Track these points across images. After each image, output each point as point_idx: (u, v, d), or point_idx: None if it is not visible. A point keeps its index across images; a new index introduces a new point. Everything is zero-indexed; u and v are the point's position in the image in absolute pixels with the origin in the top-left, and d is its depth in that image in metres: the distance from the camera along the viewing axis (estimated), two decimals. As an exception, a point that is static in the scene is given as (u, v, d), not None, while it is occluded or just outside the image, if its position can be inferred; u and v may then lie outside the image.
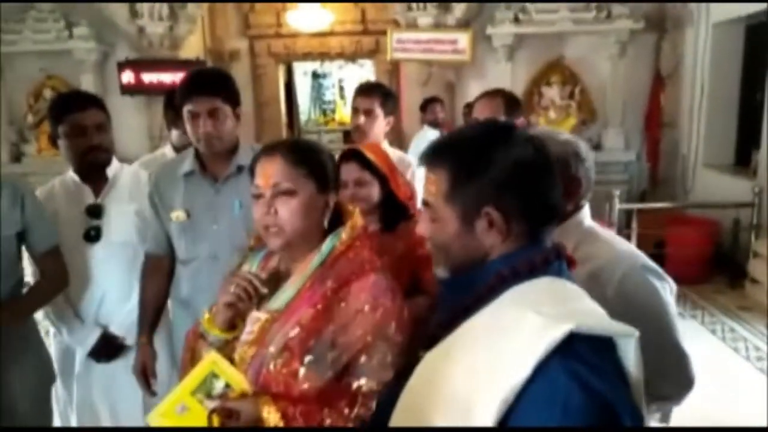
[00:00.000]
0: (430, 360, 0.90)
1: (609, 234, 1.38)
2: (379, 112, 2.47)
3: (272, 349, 1.16)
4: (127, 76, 6.02)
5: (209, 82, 1.86)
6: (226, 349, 1.25)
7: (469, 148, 0.90)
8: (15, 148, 6.29)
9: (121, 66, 5.99)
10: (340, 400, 1.13)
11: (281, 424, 1.09)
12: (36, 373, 1.91)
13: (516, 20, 5.96)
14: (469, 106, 6.94)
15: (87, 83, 6.02)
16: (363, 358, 1.13)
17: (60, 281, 1.92)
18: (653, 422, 1.39)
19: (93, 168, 2.05)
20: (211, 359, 1.18)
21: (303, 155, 1.21)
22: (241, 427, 1.10)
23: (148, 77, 6.04)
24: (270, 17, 7.64)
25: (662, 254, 4.51)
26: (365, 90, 2.57)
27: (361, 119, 2.46)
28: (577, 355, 0.74)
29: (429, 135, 5.13)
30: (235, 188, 1.84)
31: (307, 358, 1.14)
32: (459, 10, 5.91)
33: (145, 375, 1.90)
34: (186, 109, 1.82)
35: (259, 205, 1.20)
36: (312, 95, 11.35)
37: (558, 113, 6.26)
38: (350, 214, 1.29)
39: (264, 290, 1.23)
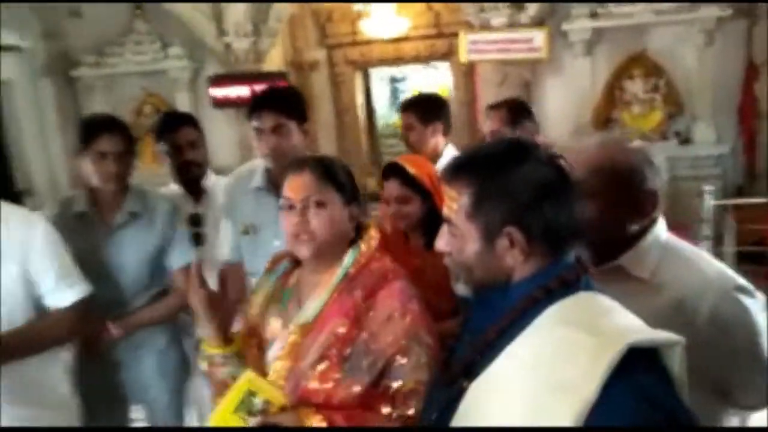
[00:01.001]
0: (478, 390, 0.88)
1: (691, 250, 1.26)
2: (418, 124, 2.49)
3: (309, 361, 1.22)
4: (217, 91, 6.43)
5: (273, 99, 1.92)
6: (241, 365, 1.30)
7: (492, 166, 0.89)
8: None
9: (211, 81, 6.40)
10: (379, 403, 1.18)
11: None
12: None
13: (593, 15, 5.81)
14: (492, 108, 6.82)
15: (182, 99, 6.49)
16: (398, 361, 1.19)
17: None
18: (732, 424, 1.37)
19: (189, 181, 2.29)
20: (246, 377, 1.22)
21: (329, 170, 1.30)
22: (286, 427, 1.16)
23: (236, 90, 6.42)
24: (346, 26, 7.88)
25: (763, 252, 4.26)
26: (402, 107, 2.62)
27: (410, 136, 2.53)
28: (636, 370, 0.74)
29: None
30: None
31: (345, 366, 1.20)
32: (533, 8, 5.84)
33: None
34: (252, 125, 1.89)
35: (291, 215, 1.27)
36: (390, 100, 11.52)
37: (642, 107, 6.03)
38: (366, 227, 1.36)
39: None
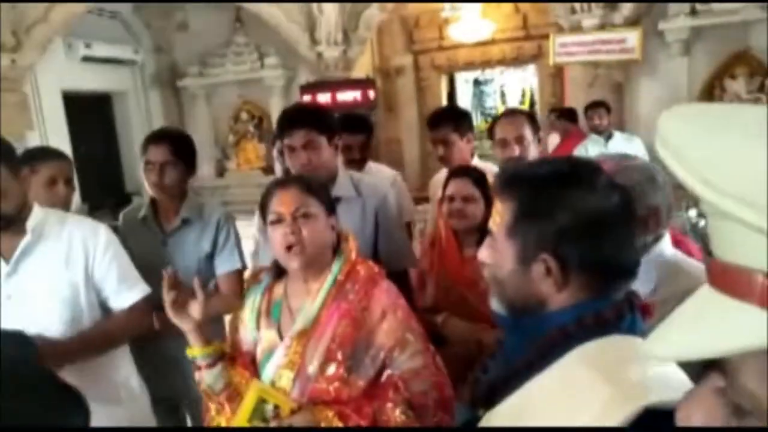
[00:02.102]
0: (494, 421, 0.86)
1: (695, 265, 1.25)
2: (454, 137, 2.42)
3: (315, 363, 1.30)
4: (308, 98, 6.71)
5: (303, 116, 1.92)
6: (227, 375, 1.36)
7: (540, 185, 0.83)
8: (219, 164, 7.33)
9: (303, 89, 6.69)
10: (384, 392, 1.29)
11: (340, 425, 1.22)
12: None
13: (693, 12, 5.57)
14: (553, 111, 6.52)
15: (275, 106, 6.83)
16: (397, 351, 1.31)
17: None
18: None
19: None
20: (256, 388, 1.29)
21: (312, 185, 1.40)
22: (290, 428, 1.22)
23: (325, 97, 6.68)
24: (433, 32, 7.98)
25: None
26: (433, 121, 2.53)
27: (440, 150, 2.45)
28: (647, 428, 0.69)
29: (592, 143, 4.88)
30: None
31: (350, 364, 1.29)
32: (627, 7, 5.68)
33: None
34: (284, 143, 1.90)
35: (281, 228, 1.34)
36: (473, 103, 11.50)
37: (745, 108, 5.73)
38: (344, 236, 1.45)
39: (197, 289, 1.35)
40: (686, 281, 1.13)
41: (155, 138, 2.08)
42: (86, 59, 6.39)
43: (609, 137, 4.90)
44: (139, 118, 7.29)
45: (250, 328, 1.42)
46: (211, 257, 2.07)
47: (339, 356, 1.29)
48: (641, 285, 1.12)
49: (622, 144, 4.78)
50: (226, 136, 7.40)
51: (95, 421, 1.61)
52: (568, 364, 0.78)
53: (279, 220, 1.35)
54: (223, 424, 1.39)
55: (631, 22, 5.76)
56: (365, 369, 1.30)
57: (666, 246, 1.25)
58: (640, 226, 1.17)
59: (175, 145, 2.07)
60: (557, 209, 0.80)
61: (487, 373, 0.95)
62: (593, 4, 5.70)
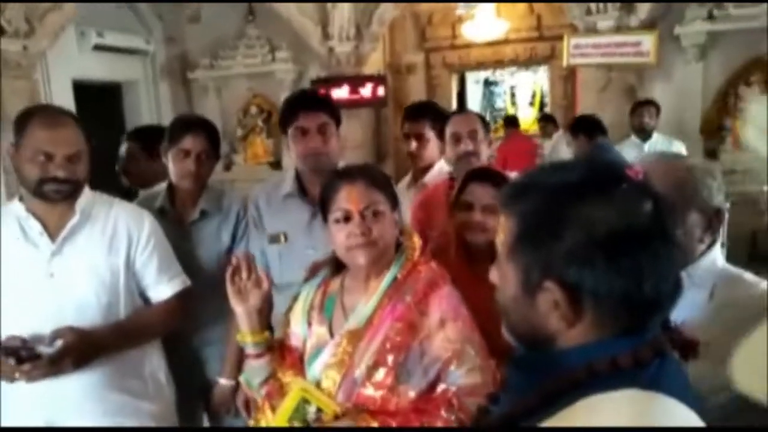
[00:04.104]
0: None
1: (750, 275, 1.18)
2: (430, 135, 2.35)
3: (363, 367, 1.21)
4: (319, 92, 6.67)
5: (317, 99, 1.88)
6: (271, 368, 1.32)
7: (548, 197, 0.70)
8: (227, 157, 7.30)
9: (314, 83, 6.66)
10: (436, 408, 1.18)
11: None
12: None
13: (710, 17, 5.52)
14: (545, 119, 6.34)
15: (285, 99, 6.81)
16: (454, 365, 1.20)
17: None
18: None
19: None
20: (299, 386, 1.23)
21: (379, 180, 1.33)
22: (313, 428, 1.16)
23: (336, 92, 6.64)
24: (445, 30, 7.94)
25: None
26: (413, 114, 2.42)
27: (412, 145, 2.36)
28: None
29: (627, 147, 4.48)
30: None
31: (400, 372, 1.19)
32: (643, 10, 5.63)
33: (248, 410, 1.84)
34: (294, 125, 1.80)
35: (348, 226, 1.26)
36: (483, 103, 11.44)
37: (759, 116, 5.67)
38: (408, 234, 1.37)
39: (261, 276, 1.31)
40: (743, 289, 1.11)
41: (193, 126, 1.99)
42: (98, 48, 6.37)
43: (648, 138, 4.55)
44: (148, 108, 7.27)
45: (301, 323, 1.35)
46: (230, 250, 1.99)
47: (389, 362, 1.20)
48: (697, 292, 1.09)
49: (663, 147, 4.44)
50: (235, 129, 7.37)
51: (118, 413, 1.62)
52: (567, 418, 0.66)
53: (346, 218, 1.27)
54: (262, 423, 1.34)
55: (647, 26, 5.70)
56: (417, 379, 1.20)
57: (719, 255, 1.18)
58: (705, 229, 1.13)
59: (212, 135, 2.03)
60: (566, 227, 0.67)
61: (496, 404, 0.84)
62: (609, 6, 5.65)
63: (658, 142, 4.51)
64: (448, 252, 1.63)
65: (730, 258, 1.20)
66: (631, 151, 4.38)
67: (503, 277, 0.76)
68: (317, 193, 1.78)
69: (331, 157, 1.82)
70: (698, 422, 0.66)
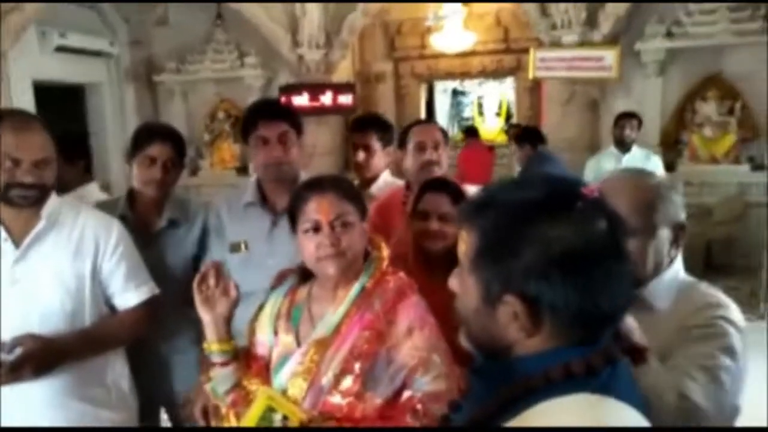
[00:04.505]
0: None
1: (705, 285, 1.24)
2: (377, 146, 2.38)
3: (330, 375, 1.22)
4: (287, 99, 6.66)
5: (277, 108, 1.87)
6: (237, 377, 1.31)
7: (509, 214, 0.72)
8: (193, 163, 7.21)
9: (282, 90, 6.64)
10: (402, 414, 1.19)
11: None
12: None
13: (669, 34, 5.72)
14: (514, 127, 6.50)
15: (253, 106, 6.76)
16: (420, 372, 1.21)
17: None
18: None
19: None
20: (265, 394, 1.23)
21: (348, 191, 1.34)
22: (293, 428, 1.16)
23: (305, 99, 6.64)
24: (415, 40, 8.03)
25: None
26: (361, 125, 2.45)
27: (360, 156, 2.39)
28: None
29: (605, 158, 4.61)
30: None
31: (367, 380, 1.20)
32: (606, 26, 5.80)
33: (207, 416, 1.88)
34: (255, 135, 1.80)
35: (318, 237, 1.27)
36: (451, 113, 11.59)
37: (714, 130, 5.88)
38: (376, 243, 1.37)
39: (230, 285, 1.31)
40: (701, 300, 1.16)
41: (160, 133, 1.99)
42: (60, 49, 6.23)
43: (627, 151, 4.56)
44: (111, 111, 7.14)
45: (267, 331, 1.34)
46: (197, 258, 1.98)
47: (356, 369, 1.21)
48: (660, 301, 1.14)
49: (640, 160, 4.47)
50: (201, 134, 7.29)
51: (79, 422, 1.59)
52: (523, 424, 0.69)
53: (316, 229, 1.28)
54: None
55: (610, 41, 5.88)
56: (383, 387, 1.21)
57: (680, 268, 1.22)
58: (672, 243, 1.17)
59: (178, 144, 2.02)
60: (522, 245, 0.70)
61: (458, 411, 0.86)
62: (573, 21, 5.80)
63: (636, 155, 4.54)
64: (406, 260, 1.65)
65: (687, 268, 1.25)
66: (608, 163, 4.50)
67: (464, 287, 0.78)
68: (278, 202, 1.82)
69: (293, 167, 1.82)
70: (644, 423, 0.69)
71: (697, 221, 5.20)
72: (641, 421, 0.69)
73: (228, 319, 1.33)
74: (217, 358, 1.33)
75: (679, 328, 1.10)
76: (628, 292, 0.74)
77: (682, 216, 1.18)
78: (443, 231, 1.63)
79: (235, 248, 1.84)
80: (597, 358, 0.71)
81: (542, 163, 4.56)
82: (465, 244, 0.77)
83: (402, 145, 2.19)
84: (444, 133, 2.20)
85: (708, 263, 5.68)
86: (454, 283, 0.81)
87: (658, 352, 0.95)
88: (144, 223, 1.99)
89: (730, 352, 1.06)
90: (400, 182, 2.45)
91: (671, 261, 1.19)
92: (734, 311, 1.14)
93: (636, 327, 0.90)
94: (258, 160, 1.82)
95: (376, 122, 2.50)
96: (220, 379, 1.33)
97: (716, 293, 1.18)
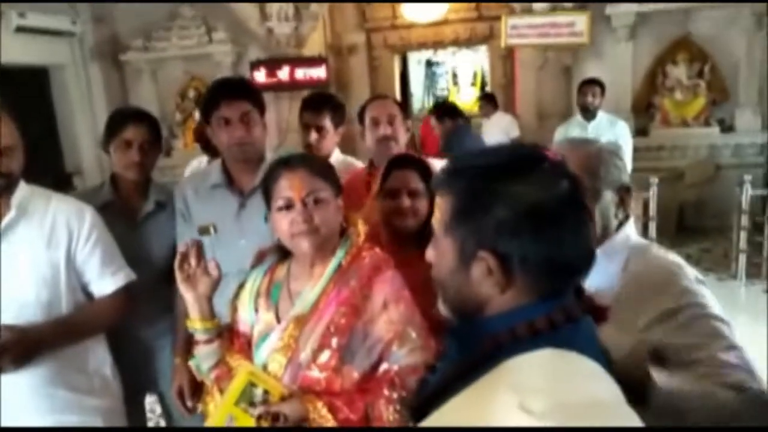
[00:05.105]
0: None
1: (656, 247, 1.27)
2: (329, 126, 2.36)
3: (308, 351, 1.24)
4: (259, 75, 6.55)
5: (238, 87, 1.84)
6: (221, 353, 1.33)
7: (479, 176, 0.77)
8: (165, 143, 7.08)
9: (253, 66, 6.53)
10: (379, 387, 1.22)
11: (329, 417, 1.17)
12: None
13: (638, -2, 5.74)
14: (485, 98, 6.54)
15: (224, 83, 6.64)
16: (396, 345, 1.24)
17: None
18: None
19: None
20: (246, 369, 1.25)
21: (320, 167, 1.35)
22: (290, 427, 1.17)
23: (277, 74, 6.54)
24: (386, 10, 7.91)
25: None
26: (313, 105, 2.41)
27: (312, 136, 2.35)
28: None
29: (572, 126, 4.61)
30: (262, 201, 1.63)
31: (344, 354, 1.23)
32: (577, -9, 5.80)
33: (182, 397, 1.87)
34: (217, 116, 1.77)
35: (290, 213, 1.28)
36: (425, 84, 11.51)
37: (685, 94, 5.96)
38: (353, 221, 1.39)
39: (211, 264, 1.31)
40: (654, 261, 1.19)
41: (135, 117, 1.98)
42: (20, 30, 6.01)
43: (592, 118, 4.55)
44: (78, 93, 6.94)
45: (248, 309, 1.36)
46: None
47: (333, 344, 1.23)
48: (611, 264, 1.18)
49: (606, 126, 4.49)
50: (173, 113, 7.16)
51: (65, 410, 1.59)
52: (490, 381, 0.72)
53: (288, 206, 1.29)
54: (210, 406, 1.35)
55: (580, 7, 5.88)
56: (360, 360, 1.24)
57: (632, 231, 1.26)
58: (617, 205, 1.21)
59: (153, 125, 2.01)
60: (494, 203, 0.74)
61: (434, 373, 0.90)
62: (544, -13, 5.78)
63: (602, 122, 4.54)
64: (377, 238, 1.62)
65: (659, 231, 1.29)
66: (574, 131, 4.51)
67: (440, 253, 0.82)
68: (245, 182, 1.82)
69: (257, 146, 1.80)
70: (605, 377, 0.73)
71: (668, 184, 5.30)
72: (601, 372, 0.73)
73: (209, 298, 1.34)
74: (200, 336, 1.34)
75: (631, 290, 1.14)
76: (590, 245, 0.79)
77: (625, 179, 1.23)
78: (414, 207, 1.63)
79: (203, 231, 1.83)
80: (559, 314, 0.75)
81: (462, 138, 4.75)
82: (439, 210, 0.81)
83: (361, 121, 2.17)
84: (402, 107, 2.18)
85: (680, 226, 5.81)
86: (430, 253, 0.85)
87: (619, 310, 0.98)
88: (129, 207, 1.99)
89: (713, 317, 1.10)
90: (352, 160, 2.47)
91: (621, 224, 1.23)
92: (689, 269, 1.18)
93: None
94: (221, 141, 1.80)
95: (329, 102, 2.46)
96: (204, 355, 1.35)
97: (667, 254, 1.22)
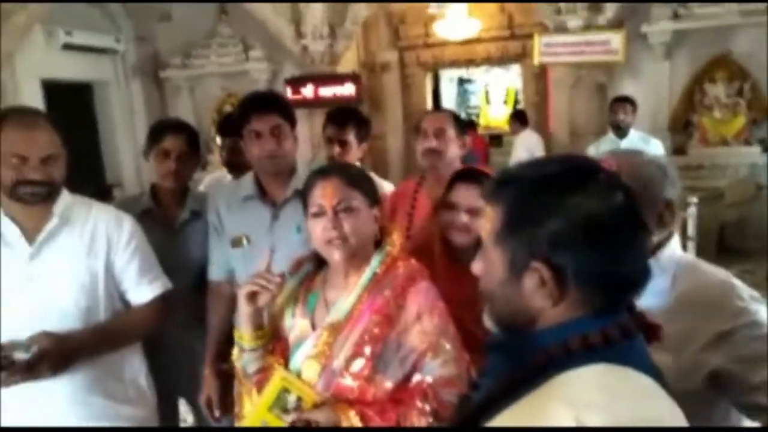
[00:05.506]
0: None
1: (707, 263, 1.23)
2: (353, 140, 2.37)
3: (342, 358, 1.25)
4: (293, 91, 6.67)
5: (269, 101, 1.87)
6: (266, 360, 1.33)
7: (533, 186, 0.76)
8: (202, 157, 7.24)
9: (288, 82, 6.65)
10: (411, 398, 1.22)
11: (361, 426, 1.16)
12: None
13: (675, 16, 5.66)
14: (515, 115, 6.49)
15: (259, 99, 6.78)
16: (429, 356, 1.24)
17: None
18: None
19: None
20: (280, 375, 1.26)
21: (355, 177, 1.35)
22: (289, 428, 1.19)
23: (311, 90, 6.65)
24: (419, 28, 7.98)
25: None
26: (337, 119, 2.41)
27: (336, 150, 2.35)
28: None
29: (604, 144, 4.54)
30: (294, 212, 1.76)
31: (378, 363, 1.23)
32: (611, 9, 5.76)
33: (210, 407, 1.90)
34: (248, 129, 1.80)
35: (322, 221, 1.29)
36: (458, 101, 11.55)
37: (724, 112, 5.84)
38: (389, 230, 1.39)
39: (277, 279, 1.28)
40: (703, 278, 1.15)
41: (174, 127, 2.07)
42: (67, 47, 6.28)
43: (624, 136, 4.47)
44: (120, 108, 7.19)
45: (287, 315, 1.38)
46: None
47: (367, 353, 1.24)
48: (658, 282, 1.08)
49: (638, 144, 4.36)
50: (209, 129, 7.32)
51: (101, 418, 1.62)
52: (542, 395, 0.71)
53: (320, 213, 1.30)
54: (248, 407, 1.36)
55: (615, 25, 5.83)
56: (393, 370, 1.24)
57: (676, 243, 1.21)
58: (656, 221, 1.16)
59: (191, 136, 2.08)
60: (549, 213, 0.73)
61: (477, 390, 0.88)
62: (578, 5, 5.75)
63: (634, 140, 4.45)
64: (431, 250, 1.63)
65: (700, 251, 1.25)
66: (606, 149, 4.41)
67: (489, 264, 0.80)
68: (277, 194, 1.85)
69: (287, 159, 1.83)
70: (663, 395, 0.71)
71: (708, 204, 5.17)
72: (659, 390, 0.71)
73: (262, 312, 1.35)
74: (246, 347, 1.35)
75: (683, 310, 1.10)
76: (646, 259, 0.77)
77: (669, 194, 1.17)
78: (471, 224, 1.57)
79: (236, 242, 1.85)
80: (613, 329, 0.73)
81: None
82: (489, 220, 0.80)
83: (417, 132, 2.19)
84: (458, 121, 2.16)
85: (721, 246, 5.64)
86: (478, 266, 0.84)
87: (668, 333, 0.96)
88: (168, 215, 2.06)
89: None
90: (373, 176, 2.43)
91: (666, 239, 1.18)
92: (742, 286, 1.13)
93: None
94: (252, 154, 1.83)
95: (353, 116, 2.46)
96: (246, 361, 1.36)
97: (718, 271, 1.18)
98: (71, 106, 6.60)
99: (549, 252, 0.73)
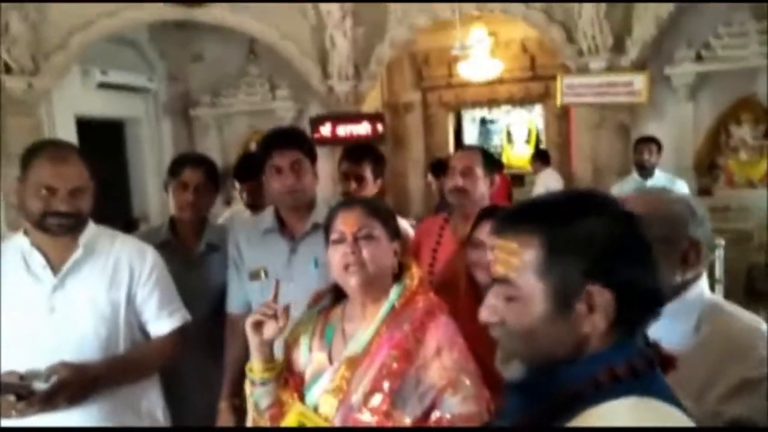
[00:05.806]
0: None
1: (735, 306, 1.20)
2: (369, 176, 2.37)
3: (359, 393, 1.24)
4: (317, 130, 6.79)
5: (290, 137, 1.91)
6: (278, 395, 1.33)
7: (565, 213, 0.75)
8: (226, 193, 7.36)
9: (313, 121, 6.77)
10: None
11: None
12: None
13: (698, 58, 5.67)
14: (536, 154, 6.50)
15: (284, 137, 6.92)
16: (449, 393, 1.22)
17: None
18: None
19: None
20: (297, 410, 1.26)
21: (376, 208, 1.39)
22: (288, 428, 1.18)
23: (335, 129, 6.75)
24: (442, 69, 8.11)
25: None
26: (354, 155, 2.42)
27: (352, 186, 2.36)
28: None
29: (628, 184, 4.47)
30: (312, 246, 1.80)
31: (396, 398, 1.22)
32: (634, 51, 5.79)
33: None
34: (269, 164, 1.83)
35: (341, 247, 1.32)
36: (480, 140, 11.58)
37: (750, 154, 5.77)
38: (407, 264, 1.40)
39: (280, 309, 1.29)
40: (730, 321, 1.12)
41: (193, 161, 2.13)
42: (101, 86, 6.50)
43: (649, 176, 4.43)
44: (150, 145, 7.38)
45: (303, 349, 1.39)
46: None
47: (385, 388, 1.23)
48: (681, 324, 1.09)
49: (663, 185, 4.25)
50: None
51: None
52: (577, 425, 0.70)
53: (340, 240, 1.34)
54: None
55: (638, 66, 5.85)
56: (412, 406, 1.23)
57: (704, 284, 1.19)
58: (680, 261, 1.13)
59: (210, 170, 2.13)
60: (593, 234, 0.73)
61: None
62: (600, 47, 5.80)
63: (659, 180, 4.40)
64: (455, 287, 1.64)
65: (727, 294, 1.23)
66: (630, 188, 4.27)
67: (524, 300, 0.76)
68: (296, 228, 1.89)
69: (307, 193, 1.86)
70: (690, 423, 0.71)
71: (735, 246, 5.07)
72: (687, 420, 0.71)
73: (271, 343, 1.35)
74: (256, 380, 1.36)
75: (707, 356, 1.06)
76: (660, 283, 0.78)
77: (694, 233, 1.15)
78: None
79: (254, 275, 1.87)
80: (639, 360, 0.73)
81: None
82: (518, 255, 0.76)
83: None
84: (489, 159, 2.16)
85: (749, 289, 5.50)
86: (486, 313, 0.80)
87: (690, 378, 0.92)
88: (185, 247, 2.09)
89: None
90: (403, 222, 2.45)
91: (692, 280, 1.15)
92: None
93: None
94: (273, 189, 1.86)
95: (370, 152, 2.49)
96: (259, 396, 1.36)
97: (745, 314, 1.14)
98: (103, 142, 6.80)
99: (603, 272, 0.72)
